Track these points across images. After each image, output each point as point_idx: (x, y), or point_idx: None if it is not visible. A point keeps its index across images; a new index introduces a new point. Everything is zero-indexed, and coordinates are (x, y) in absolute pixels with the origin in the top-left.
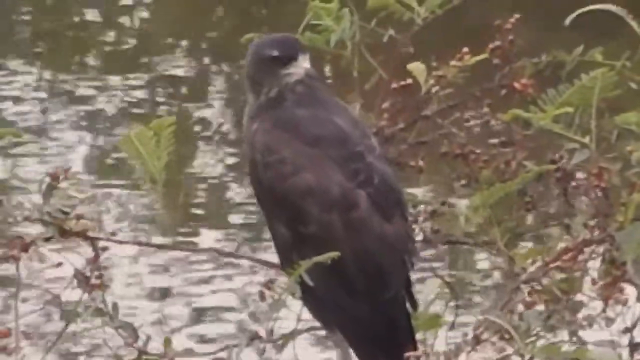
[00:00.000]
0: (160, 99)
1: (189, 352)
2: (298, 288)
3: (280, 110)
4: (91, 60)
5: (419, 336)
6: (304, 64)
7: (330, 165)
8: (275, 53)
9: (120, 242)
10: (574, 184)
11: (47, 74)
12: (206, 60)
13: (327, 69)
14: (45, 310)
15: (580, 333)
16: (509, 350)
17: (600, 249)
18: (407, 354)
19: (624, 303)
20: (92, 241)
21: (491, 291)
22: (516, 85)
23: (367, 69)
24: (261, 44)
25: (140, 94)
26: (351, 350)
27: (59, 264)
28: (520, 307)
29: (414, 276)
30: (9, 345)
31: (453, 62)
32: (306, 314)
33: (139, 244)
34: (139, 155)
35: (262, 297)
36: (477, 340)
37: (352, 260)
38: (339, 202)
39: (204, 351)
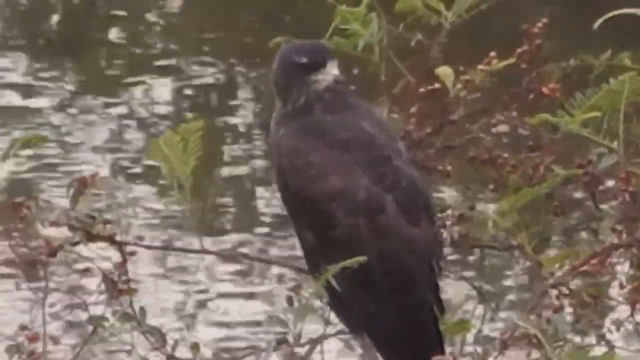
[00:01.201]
0: (187, 104)
1: (216, 356)
2: (325, 292)
3: (308, 116)
4: (118, 64)
5: (446, 340)
6: (332, 70)
7: (357, 169)
8: (304, 60)
9: (148, 247)
10: (601, 188)
11: (73, 78)
12: (234, 64)
13: (354, 74)
14: (72, 315)
15: (608, 337)
16: (537, 354)
17: (628, 253)
18: (434, 358)
19: None
20: (120, 245)
21: (519, 295)
22: (544, 89)
23: (395, 73)
24: (289, 50)
25: (167, 99)
26: (378, 354)
27: (87, 269)
28: (548, 311)
29: (441, 280)
30: (37, 350)
31: (480, 67)
32: (334, 318)
33: (166, 248)
34: (166, 160)
35: (289, 301)
36: (504, 345)
37: (379, 264)
38: (365, 205)
39: (231, 355)
